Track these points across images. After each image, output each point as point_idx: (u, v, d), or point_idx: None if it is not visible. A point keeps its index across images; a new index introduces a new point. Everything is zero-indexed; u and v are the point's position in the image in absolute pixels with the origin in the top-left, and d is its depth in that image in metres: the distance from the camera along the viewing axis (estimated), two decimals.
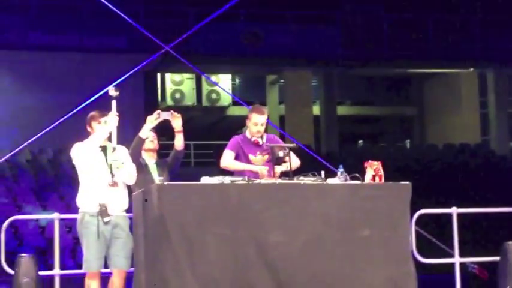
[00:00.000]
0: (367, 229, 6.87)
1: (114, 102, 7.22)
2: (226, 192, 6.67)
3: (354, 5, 25.27)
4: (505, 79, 26.39)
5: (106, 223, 7.09)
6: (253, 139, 7.94)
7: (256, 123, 7.92)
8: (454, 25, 25.52)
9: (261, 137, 7.96)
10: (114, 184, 7.13)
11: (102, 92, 11.71)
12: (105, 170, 7.17)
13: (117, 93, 7.24)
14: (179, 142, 8.05)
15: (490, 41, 25.27)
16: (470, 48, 25.03)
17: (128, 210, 7.37)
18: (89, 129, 7.31)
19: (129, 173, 7.29)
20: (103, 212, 7.07)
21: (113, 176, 7.14)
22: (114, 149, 7.16)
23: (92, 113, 7.39)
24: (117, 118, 7.16)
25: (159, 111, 7.77)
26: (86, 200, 7.16)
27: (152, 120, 7.70)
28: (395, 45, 24.69)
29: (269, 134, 8.23)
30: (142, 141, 7.84)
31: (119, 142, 7.27)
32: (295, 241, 6.70)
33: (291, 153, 7.59)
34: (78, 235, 7.24)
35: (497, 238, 13.29)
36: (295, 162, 7.69)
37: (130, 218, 7.41)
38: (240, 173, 7.72)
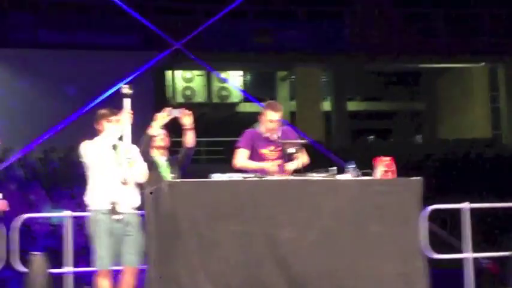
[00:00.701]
0: (378, 225, 6.87)
1: (127, 101, 7.22)
2: (237, 189, 6.67)
3: (364, 0, 25.24)
4: None
5: (118, 221, 7.09)
6: (266, 134, 7.88)
7: (271, 120, 7.83)
8: (464, 20, 25.46)
9: (275, 133, 7.88)
10: (126, 182, 7.13)
11: (114, 89, 11.75)
12: (115, 168, 7.17)
13: (131, 91, 7.24)
14: (190, 139, 8.05)
15: (500, 36, 25.20)
16: (481, 43, 24.96)
17: (139, 208, 7.37)
18: (98, 127, 7.31)
19: (140, 171, 7.29)
20: (114, 210, 7.08)
21: (124, 173, 7.15)
22: (127, 146, 7.16)
23: (102, 111, 7.39)
24: (131, 116, 7.16)
25: (168, 108, 7.77)
26: (97, 198, 7.16)
27: (162, 118, 7.70)
28: (406, 40, 24.66)
29: (284, 127, 8.14)
30: (152, 138, 7.84)
31: (131, 138, 7.27)
32: (306, 237, 6.70)
33: (303, 149, 7.58)
34: (89, 233, 7.24)
35: (508, 233, 13.26)
36: (304, 159, 7.67)
37: (141, 216, 7.41)
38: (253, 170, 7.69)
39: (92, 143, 7.19)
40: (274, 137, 7.84)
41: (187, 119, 7.85)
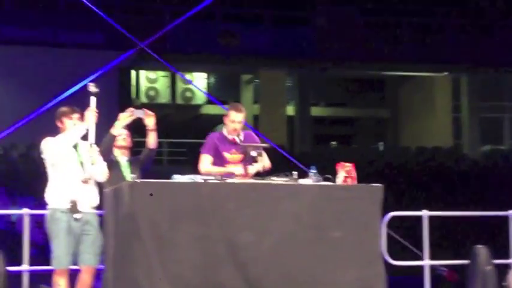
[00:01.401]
0: (338, 230, 6.89)
1: (93, 99, 7.20)
2: (198, 191, 6.66)
3: (329, 6, 25.33)
4: (478, 84, 26.60)
5: (76, 220, 7.05)
6: (229, 137, 7.92)
7: (233, 120, 7.89)
8: (428, 29, 25.66)
9: (238, 135, 7.94)
10: (87, 181, 7.10)
11: (76, 88, 11.68)
12: (76, 166, 7.14)
13: (97, 89, 7.23)
14: (152, 140, 8.03)
15: (463, 46, 25.43)
16: (444, 52, 25.17)
17: (98, 207, 7.34)
18: (59, 124, 7.26)
19: (100, 170, 7.26)
20: (74, 208, 7.04)
21: (85, 172, 7.12)
22: (91, 145, 7.13)
23: (63, 108, 7.35)
24: (96, 115, 7.14)
25: (132, 109, 7.75)
26: (57, 196, 7.11)
27: (125, 118, 7.68)
28: (370, 47, 24.79)
29: (246, 130, 8.21)
30: (114, 138, 7.82)
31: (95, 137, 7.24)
32: (266, 241, 6.70)
33: (264, 153, 7.61)
34: (47, 231, 7.19)
35: (467, 241, 13.38)
36: (266, 163, 7.70)
37: (100, 215, 7.38)
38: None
39: (53, 140, 7.14)
40: (238, 138, 7.88)
41: (150, 120, 7.85)
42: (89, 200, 7.18)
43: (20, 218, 13.52)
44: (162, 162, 25.98)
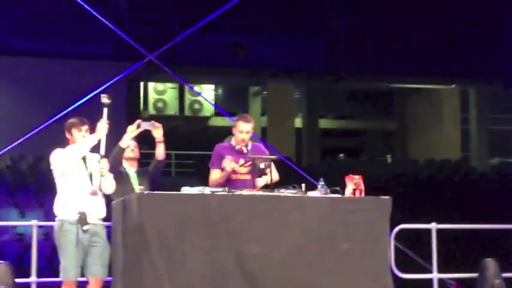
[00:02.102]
0: (346, 242, 6.87)
1: (105, 110, 7.22)
2: (206, 203, 6.65)
3: (338, 18, 25.36)
4: (486, 96, 26.56)
5: (85, 231, 7.05)
6: (237, 147, 7.93)
7: (242, 131, 7.90)
8: (437, 41, 25.66)
9: (246, 145, 7.94)
10: (95, 193, 7.11)
11: (85, 99, 11.70)
12: (85, 178, 7.14)
13: (110, 101, 7.24)
14: (160, 152, 8.04)
15: (472, 58, 25.42)
16: (453, 64, 25.16)
17: (106, 219, 7.34)
18: (68, 136, 7.28)
19: (108, 182, 7.27)
20: (82, 220, 7.04)
21: (93, 184, 7.13)
22: (101, 157, 7.14)
23: (72, 119, 7.37)
24: (107, 126, 7.15)
25: (139, 120, 7.75)
26: (65, 207, 7.11)
27: (133, 130, 7.68)
28: (379, 59, 24.79)
29: (255, 142, 8.23)
30: (123, 150, 7.82)
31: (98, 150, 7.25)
32: (274, 253, 6.69)
33: (272, 166, 7.61)
34: (55, 243, 7.19)
35: (476, 255, 13.33)
36: (274, 175, 7.69)
37: (108, 227, 7.38)
38: (224, 182, 7.74)
39: (63, 151, 7.15)
40: (246, 149, 7.89)
41: (158, 132, 7.86)
42: (97, 212, 7.19)
43: (28, 229, 13.53)
44: (170, 174, 26.00)
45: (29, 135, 11.93)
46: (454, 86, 26.09)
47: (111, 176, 7.33)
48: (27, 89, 21.14)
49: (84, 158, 7.18)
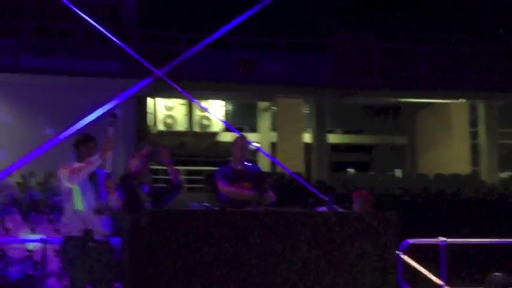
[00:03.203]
0: (354, 257, 6.88)
1: (111, 129, 7.27)
2: (214, 219, 6.67)
3: (346, 33, 25.39)
4: (495, 110, 26.50)
5: (91, 248, 7.09)
6: (238, 167, 8.09)
7: (240, 147, 8.19)
8: (445, 55, 25.67)
9: (246, 163, 8.17)
10: (100, 210, 7.16)
11: (94, 116, 11.74)
12: (91, 195, 7.19)
13: (115, 119, 7.31)
14: (172, 176, 8.04)
15: (480, 72, 25.42)
16: (461, 78, 25.15)
17: (115, 235, 7.38)
18: (76, 152, 7.34)
19: (116, 199, 7.30)
20: (88, 236, 7.08)
21: (99, 201, 7.18)
22: (108, 175, 7.18)
23: (78, 136, 7.46)
24: (112, 145, 7.20)
25: (146, 148, 7.76)
26: (72, 224, 7.15)
27: (140, 158, 7.71)
28: (387, 74, 24.81)
29: (253, 165, 8.46)
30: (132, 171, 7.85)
31: (112, 164, 7.31)
32: (282, 268, 6.70)
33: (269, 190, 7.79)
34: (62, 259, 7.23)
35: (485, 269, 13.28)
36: (272, 197, 7.85)
37: (116, 243, 7.42)
38: (231, 199, 7.86)
39: (70, 170, 7.18)
40: (246, 167, 8.08)
41: (164, 157, 7.88)
42: (102, 229, 7.22)
43: (38, 246, 13.55)
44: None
45: (39, 152, 11.96)
46: (462, 100, 26.07)
47: (117, 192, 7.36)
48: (36, 106, 21.20)
49: (91, 175, 7.23)
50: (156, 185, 8.43)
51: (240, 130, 24.15)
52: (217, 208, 6.93)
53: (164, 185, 8.40)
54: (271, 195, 7.84)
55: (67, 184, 7.17)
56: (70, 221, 7.18)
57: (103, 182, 7.23)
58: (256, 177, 8.00)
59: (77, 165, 7.22)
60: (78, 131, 10.50)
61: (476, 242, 13.40)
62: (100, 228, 7.20)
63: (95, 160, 7.14)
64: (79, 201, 7.15)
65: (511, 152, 27.85)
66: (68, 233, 7.18)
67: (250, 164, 8.42)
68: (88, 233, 7.08)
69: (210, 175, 19.56)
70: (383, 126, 28.69)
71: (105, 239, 7.25)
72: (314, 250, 6.79)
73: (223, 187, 8.06)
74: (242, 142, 8.34)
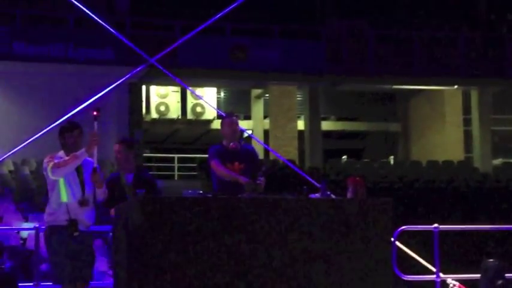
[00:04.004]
0: (348, 244, 6.88)
1: (96, 123, 7.25)
2: (208, 206, 6.67)
3: (339, 20, 25.37)
4: (488, 97, 26.53)
5: (75, 237, 7.10)
6: (230, 145, 8.10)
7: (230, 124, 8.24)
8: (439, 42, 25.68)
9: (239, 140, 8.18)
10: (85, 203, 7.16)
11: (87, 103, 11.72)
12: (76, 186, 7.19)
13: (99, 113, 7.29)
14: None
15: (474, 59, 25.44)
16: (455, 65, 25.17)
17: (107, 223, 7.40)
18: (61, 140, 7.33)
19: (102, 191, 7.34)
20: (72, 226, 7.09)
21: (84, 193, 7.18)
22: (95, 168, 7.18)
23: (64, 124, 7.45)
24: (98, 139, 7.16)
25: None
26: (56, 214, 7.16)
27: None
28: (380, 61, 24.81)
29: (247, 144, 8.42)
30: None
31: (106, 152, 7.31)
32: (277, 255, 6.70)
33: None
34: (46, 248, 7.25)
35: (479, 255, 13.33)
36: (262, 182, 7.87)
37: (101, 232, 7.45)
38: (223, 182, 7.89)
39: (56, 161, 7.16)
40: (239, 145, 8.09)
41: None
42: (86, 219, 7.24)
43: (31, 234, 13.56)
44: (172, 177, 26.03)
45: (32, 139, 11.95)
46: (456, 87, 26.09)
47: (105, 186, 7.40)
48: (28, 93, 21.16)
49: (77, 166, 7.23)
50: (142, 172, 8.32)
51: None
52: (210, 195, 6.91)
53: (149, 173, 8.38)
54: (262, 181, 7.83)
55: (51, 176, 7.17)
56: (54, 211, 7.19)
57: (89, 173, 7.23)
58: (248, 156, 8.01)
59: (61, 158, 7.20)
60: (71, 118, 10.48)
61: (470, 228, 13.43)
62: (84, 219, 7.22)
63: (81, 154, 7.13)
64: (64, 193, 7.15)
65: (504, 139, 27.91)
66: (52, 222, 7.19)
67: (243, 143, 8.39)
68: (72, 222, 7.09)
69: (204, 163, 19.60)
70: (377, 114, 28.72)
71: (87, 229, 7.29)
72: (307, 237, 6.79)
73: (217, 167, 8.05)
74: (230, 120, 8.30)
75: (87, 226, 7.31)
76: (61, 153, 7.31)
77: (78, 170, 7.24)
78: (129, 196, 7.71)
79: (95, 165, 7.21)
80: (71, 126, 7.36)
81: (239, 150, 8.19)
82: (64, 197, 7.14)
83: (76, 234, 7.11)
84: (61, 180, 7.15)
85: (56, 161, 7.16)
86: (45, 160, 7.23)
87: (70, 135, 7.29)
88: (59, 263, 7.09)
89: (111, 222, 7.53)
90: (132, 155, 8.10)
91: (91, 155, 7.21)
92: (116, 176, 8.02)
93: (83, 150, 7.15)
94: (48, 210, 7.25)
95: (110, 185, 7.68)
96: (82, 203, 7.16)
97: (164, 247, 6.47)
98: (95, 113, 7.29)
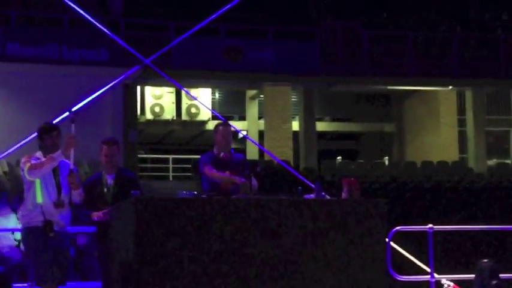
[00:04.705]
0: (343, 245, 6.89)
1: (73, 126, 7.26)
2: (202, 207, 6.66)
3: (334, 21, 25.39)
4: (482, 98, 26.56)
5: (51, 238, 7.10)
6: (221, 154, 8.10)
7: (225, 134, 8.22)
8: (433, 43, 25.70)
9: (229, 150, 8.19)
10: (60, 204, 7.16)
11: (81, 104, 11.72)
12: (52, 188, 7.18)
13: (77, 117, 7.30)
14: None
15: (468, 59, 25.46)
16: (449, 66, 25.19)
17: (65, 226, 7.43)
18: (39, 141, 7.32)
19: (79, 193, 7.34)
20: (48, 227, 7.08)
21: (60, 195, 7.16)
22: (72, 170, 7.18)
23: (42, 125, 7.42)
24: (74, 142, 7.15)
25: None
26: (32, 215, 7.15)
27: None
28: (375, 61, 24.83)
29: (237, 153, 8.48)
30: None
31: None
32: (271, 256, 6.70)
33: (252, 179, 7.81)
34: (24, 249, 7.28)
35: (474, 256, 13.34)
36: (254, 185, 7.87)
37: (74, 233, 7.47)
38: (216, 184, 7.88)
39: (32, 163, 7.15)
40: (230, 155, 8.10)
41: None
42: (62, 220, 7.25)
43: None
44: (167, 178, 26.01)
45: (26, 140, 11.94)
46: (450, 87, 26.12)
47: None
48: (22, 94, 21.12)
49: (54, 169, 7.24)
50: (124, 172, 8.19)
51: (228, 118, 24.12)
52: (204, 196, 6.92)
53: (131, 172, 8.33)
54: (254, 183, 7.83)
55: (27, 177, 7.16)
56: (30, 212, 7.19)
57: (66, 174, 7.22)
58: (238, 165, 8.01)
59: (39, 159, 7.19)
60: (65, 119, 10.47)
61: (464, 228, 13.45)
62: (59, 220, 7.22)
63: (57, 156, 7.13)
64: (40, 194, 7.15)
65: (499, 139, 27.94)
66: (27, 223, 7.19)
67: (233, 152, 8.39)
68: (48, 223, 7.08)
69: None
70: (371, 114, 28.73)
71: (63, 230, 7.29)
72: (302, 238, 6.80)
73: (211, 172, 8.04)
74: (224, 129, 8.29)
75: (63, 227, 7.32)
76: (39, 153, 7.33)
77: (54, 171, 7.24)
78: (108, 198, 7.67)
79: (72, 167, 7.22)
80: (49, 127, 7.36)
81: (230, 160, 8.19)
82: (40, 198, 7.14)
83: (51, 235, 7.11)
84: (37, 182, 7.15)
85: (33, 161, 7.15)
86: (22, 160, 7.23)
87: (48, 137, 7.29)
88: (35, 263, 7.09)
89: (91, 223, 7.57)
90: (116, 155, 7.97)
91: (67, 157, 7.21)
92: (97, 177, 7.92)
93: (59, 151, 7.14)
94: (23, 211, 7.27)
95: (90, 186, 7.66)
96: (58, 204, 7.16)
97: (158, 246, 6.46)
98: (72, 115, 7.30)
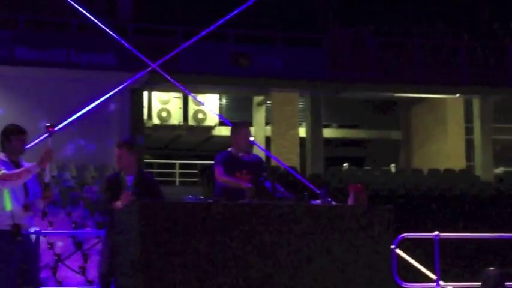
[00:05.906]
0: (348, 251, 6.87)
1: (49, 139, 7.20)
2: (209, 212, 6.66)
3: (342, 28, 25.38)
4: (490, 106, 26.52)
5: (18, 242, 7.09)
6: (240, 154, 8.08)
7: (246, 135, 8.19)
8: (441, 50, 25.68)
9: (248, 152, 8.18)
10: (28, 207, 7.15)
11: (88, 108, 11.73)
12: (21, 194, 7.14)
13: (54, 130, 7.26)
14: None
15: (476, 67, 25.43)
16: (457, 74, 25.16)
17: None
18: (5, 142, 7.25)
19: (45, 205, 7.37)
20: (16, 231, 7.07)
21: (27, 199, 7.16)
22: (47, 184, 7.17)
23: (11, 127, 7.36)
24: (51, 155, 7.11)
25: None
26: (1, 218, 7.12)
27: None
28: (383, 68, 24.82)
29: (255, 154, 8.39)
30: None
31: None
32: (277, 261, 6.69)
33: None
34: None
35: (480, 264, 13.30)
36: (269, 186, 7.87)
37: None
38: (225, 189, 7.86)
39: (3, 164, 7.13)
40: (249, 155, 8.08)
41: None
42: (29, 224, 7.25)
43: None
44: (174, 183, 26.01)
45: (33, 144, 11.94)
46: (458, 95, 26.09)
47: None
48: (30, 98, 21.15)
49: None
50: (144, 174, 8.21)
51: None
52: (211, 201, 6.91)
53: (150, 174, 8.33)
54: (268, 186, 7.80)
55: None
56: None
57: (33, 179, 7.18)
58: (256, 166, 8.00)
59: (2, 160, 7.12)
60: (73, 123, 10.49)
61: (471, 236, 13.41)
62: (27, 224, 7.22)
63: (33, 169, 7.06)
64: (8, 202, 7.11)
65: (506, 148, 27.88)
66: None
67: (252, 153, 8.35)
68: (16, 227, 7.06)
69: (205, 169, 19.59)
70: (378, 121, 28.70)
71: (31, 234, 7.31)
72: (307, 244, 6.79)
73: (219, 175, 8.03)
74: (245, 130, 8.29)
75: (28, 229, 7.35)
76: (2, 155, 7.24)
77: None
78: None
79: (47, 180, 7.18)
80: (19, 130, 7.30)
81: (249, 160, 8.18)
82: (8, 205, 7.10)
83: (19, 239, 7.09)
84: (5, 190, 7.10)
85: (3, 169, 7.08)
86: None
87: (17, 139, 7.24)
88: (3, 267, 7.05)
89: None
90: (134, 157, 7.96)
91: (43, 171, 7.17)
92: (116, 176, 7.95)
93: (34, 164, 7.07)
94: None
95: (111, 184, 7.69)
96: (26, 207, 7.14)
97: (164, 251, 6.46)
98: (49, 128, 7.24)
